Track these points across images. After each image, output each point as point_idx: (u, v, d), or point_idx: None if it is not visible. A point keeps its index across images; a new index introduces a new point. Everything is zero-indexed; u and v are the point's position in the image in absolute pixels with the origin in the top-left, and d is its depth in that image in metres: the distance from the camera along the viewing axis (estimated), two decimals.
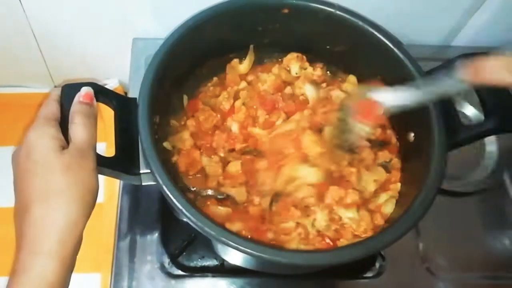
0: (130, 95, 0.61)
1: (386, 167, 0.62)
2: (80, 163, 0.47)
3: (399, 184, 0.61)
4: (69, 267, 0.46)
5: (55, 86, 0.84)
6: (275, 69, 0.68)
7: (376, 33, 0.61)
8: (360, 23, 0.61)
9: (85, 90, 0.52)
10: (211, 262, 0.69)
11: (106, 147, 0.72)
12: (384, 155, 0.63)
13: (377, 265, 0.70)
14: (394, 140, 0.64)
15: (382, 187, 0.61)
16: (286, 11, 0.62)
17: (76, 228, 0.46)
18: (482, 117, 0.57)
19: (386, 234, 0.50)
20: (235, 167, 0.60)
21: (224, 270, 0.68)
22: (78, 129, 0.49)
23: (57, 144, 0.47)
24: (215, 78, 0.68)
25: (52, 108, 0.51)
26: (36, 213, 0.45)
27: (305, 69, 0.68)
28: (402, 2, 0.72)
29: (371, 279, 0.69)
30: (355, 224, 0.57)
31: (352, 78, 0.68)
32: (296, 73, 0.68)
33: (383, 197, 0.60)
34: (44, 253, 0.44)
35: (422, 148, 0.55)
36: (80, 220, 0.46)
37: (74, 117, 0.50)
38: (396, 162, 0.63)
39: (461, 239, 0.73)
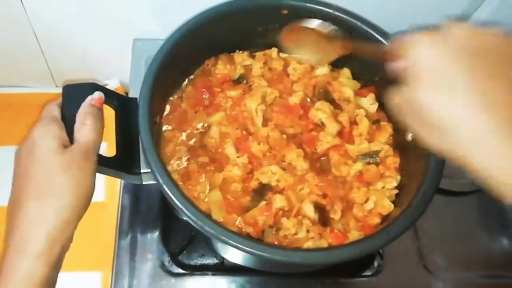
0: (131, 95, 0.61)
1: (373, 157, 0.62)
2: (80, 164, 0.47)
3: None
4: (56, 267, 0.45)
5: (57, 86, 0.85)
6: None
7: (374, 33, 0.61)
8: (359, 23, 0.62)
9: (98, 94, 0.53)
10: (211, 261, 0.69)
11: (107, 147, 0.72)
12: (376, 145, 0.62)
13: (376, 263, 0.70)
14: (389, 129, 0.64)
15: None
16: (285, 11, 0.63)
17: (67, 229, 0.46)
18: None
19: (385, 233, 0.51)
20: None
21: (224, 268, 0.69)
22: (88, 130, 0.50)
23: (59, 143, 0.48)
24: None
25: (57, 108, 0.52)
26: (29, 210, 0.45)
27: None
28: (400, 2, 0.72)
29: (369, 278, 0.69)
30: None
31: (346, 72, 0.68)
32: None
33: (379, 185, 0.60)
34: (32, 253, 0.43)
35: (421, 148, 0.55)
36: (72, 220, 0.46)
37: (86, 118, 0.50)
38: (388, 149, 0.62)
39: (459, 238, 0.74)
